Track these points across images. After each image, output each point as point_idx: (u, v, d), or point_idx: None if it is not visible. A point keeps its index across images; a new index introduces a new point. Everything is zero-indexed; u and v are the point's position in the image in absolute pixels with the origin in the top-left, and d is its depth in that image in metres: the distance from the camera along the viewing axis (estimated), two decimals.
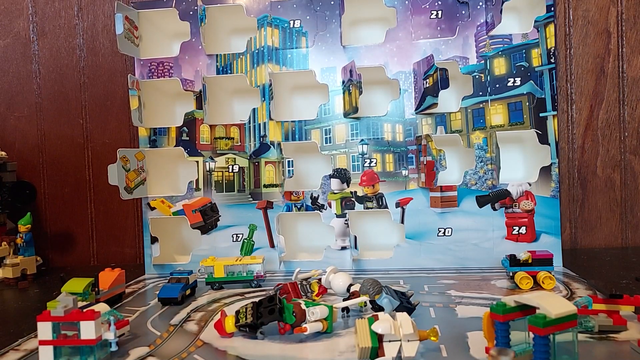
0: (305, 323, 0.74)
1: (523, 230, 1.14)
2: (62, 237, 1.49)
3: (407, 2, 1.18)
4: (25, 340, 0.80)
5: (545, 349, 0.56)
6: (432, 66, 1.14)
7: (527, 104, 1.14)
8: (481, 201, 1.16)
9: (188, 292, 1.00)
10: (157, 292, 0.97)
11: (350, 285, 0.91)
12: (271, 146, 1.23)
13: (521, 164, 1.23)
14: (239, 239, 1.23)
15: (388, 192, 1.18)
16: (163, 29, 1.32)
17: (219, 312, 0.79)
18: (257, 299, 0.78)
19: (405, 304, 0.79)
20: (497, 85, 1.15)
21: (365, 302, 0.83)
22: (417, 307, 0.81)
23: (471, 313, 0.83)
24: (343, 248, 1.20)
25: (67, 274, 0.96)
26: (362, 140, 1.20)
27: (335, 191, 1.20)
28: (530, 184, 1.15)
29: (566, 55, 1.32)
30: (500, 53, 1.15)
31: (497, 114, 1.15)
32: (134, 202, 1.44)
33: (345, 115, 1.20)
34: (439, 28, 1.17)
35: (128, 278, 1.12)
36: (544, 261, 0.96)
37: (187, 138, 1.26)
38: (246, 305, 0.77)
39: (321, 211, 1.21)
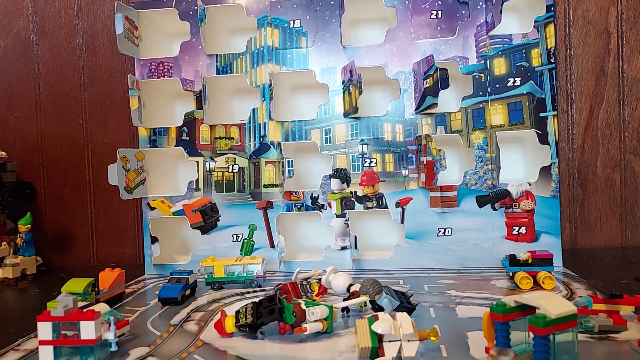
0: (305, 323, 0.74)
1: (523, 230, 1.14)
2: (62, 237, 1.49)
3: (407, 2, 1.18)
4: (25, 340, 0.80)
5: (545, 349, 0.56)
6: (432, 66, 1.14)
7: (527, 104, 1.14)
8: (481, 201, 1.16)
9: (188, 292, 1.00)
10: (157, 292, 0.97)
11: (350, 285, 0.91)
12: (271, 146, 1.23)
13: (521, 164, 1.24)
14: (239, 239, 1.23)
15: (388, 192, 1.18)
16: (163, 29, 1.32)
17: (219, 312, 0.79)
18: (257, 299, 0.78)
19: (405, 304, 0.79)
20: (497, 85, 1.15)
21: (365, 302, 0.83)
22: (417, 307, 0.81)
23: (471, 313, 0.82)
24: (343, 248, 1.20)
25: (67, 274, 0.96)
26: (362, 140, 1.20)
27: (335, 191, 1.20)
28: (530, 184, 1.15)
29: (566, 55, 1.32)
30: (500, 53, 1.15)
31: (497, 114, 1.15)
32: (134, 202, 1.44)
33: (345, 115, 1.20)
34: (439, 28, 1.17)
35: (128, 278, 1.12)
36: (544, 261, 0.96)
37: (187, 138, 1.26)
38: (246, 305, 0.77)
39: (321, 211, 1.21)
